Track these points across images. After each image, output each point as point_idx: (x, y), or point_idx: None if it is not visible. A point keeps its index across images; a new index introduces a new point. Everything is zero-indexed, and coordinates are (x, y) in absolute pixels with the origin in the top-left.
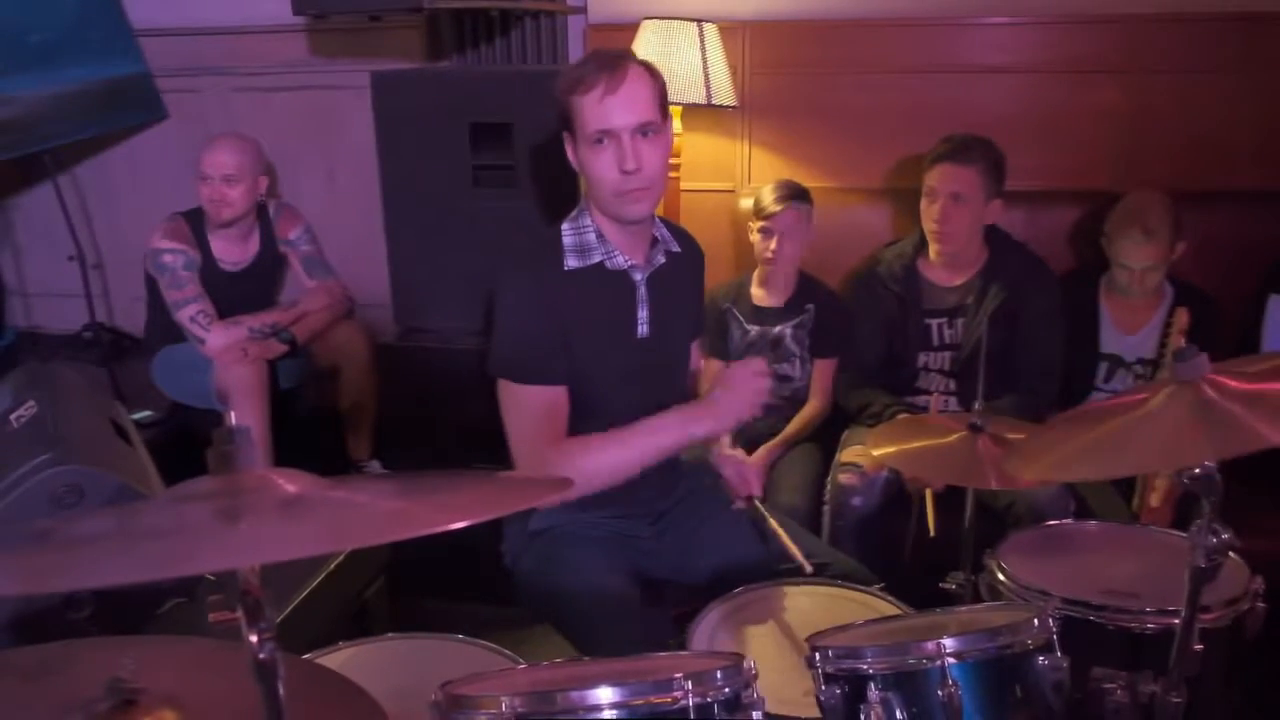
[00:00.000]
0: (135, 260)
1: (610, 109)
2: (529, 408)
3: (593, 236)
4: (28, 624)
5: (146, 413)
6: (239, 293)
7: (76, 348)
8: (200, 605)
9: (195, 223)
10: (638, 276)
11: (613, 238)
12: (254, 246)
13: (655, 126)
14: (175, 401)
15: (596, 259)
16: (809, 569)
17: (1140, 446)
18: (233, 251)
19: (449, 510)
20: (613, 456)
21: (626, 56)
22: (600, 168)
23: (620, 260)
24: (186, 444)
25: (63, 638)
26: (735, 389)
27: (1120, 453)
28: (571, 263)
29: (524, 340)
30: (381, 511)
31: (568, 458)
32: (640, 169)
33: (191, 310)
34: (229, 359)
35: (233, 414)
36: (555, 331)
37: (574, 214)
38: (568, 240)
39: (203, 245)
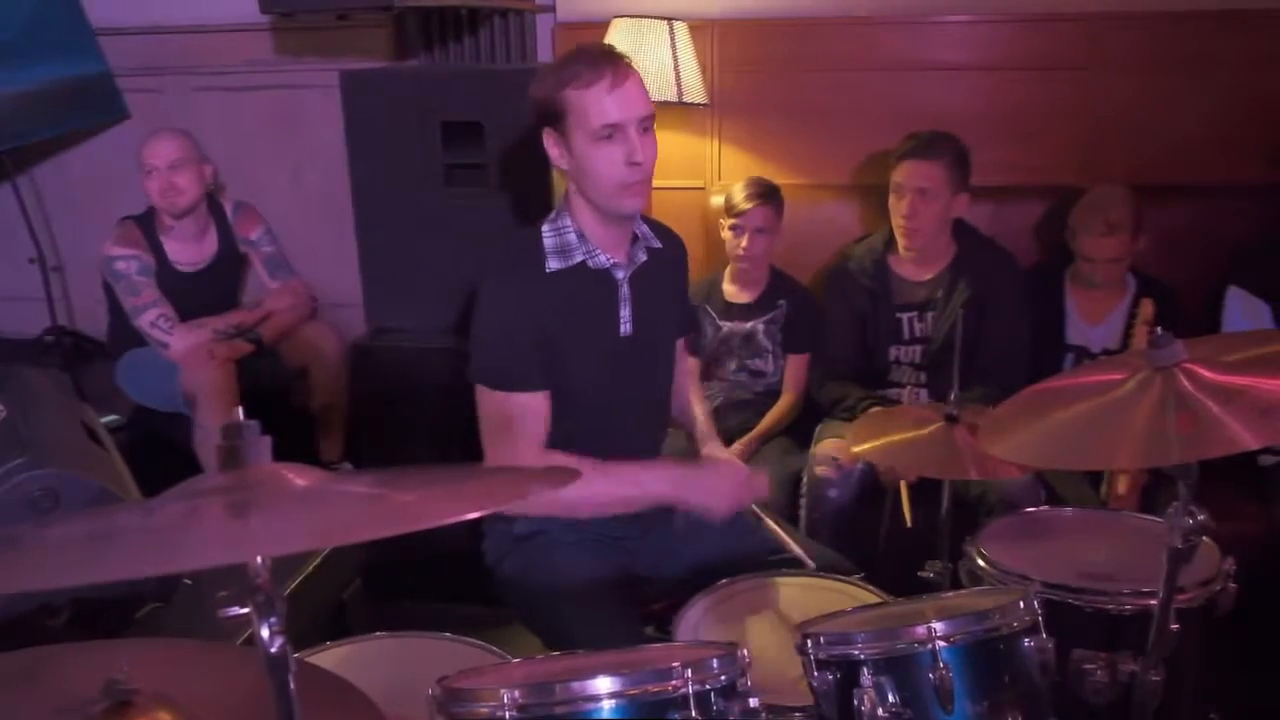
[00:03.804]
0: (96, 263)
1: (618, 102)
2: (506, 415)
3: (573, 237)
4: (3, 631)
5: (111, 417)
6: (199, 293)
7: (37, 351)
8: (177, 609)
9: (147, 225)
10: (619, 275)
11: (594, 237)
12: (211, 246)
13: (653, 120)
14: (139, 405)
15: (578, 259)
16: (811, 564)
17: (1113, 442)
18: (188, 251)
19: (463, 501)
20: (592, 489)
21: (617, 51)
22: (605, 162)
23: (602, 259)
24: (152, 448)
25: (39, 644)
26: (725, 481)
27: (1093, 446)
28: (553, 264)
29: (504, 347)
30: (395, 504)
31: None
32: (644, 162)
33: (151, 315)
34: (195, 361)
35: (199, 418)
36: (536, 337)
37: (553, 215)
38: (548, 242)
39: (155, 248)
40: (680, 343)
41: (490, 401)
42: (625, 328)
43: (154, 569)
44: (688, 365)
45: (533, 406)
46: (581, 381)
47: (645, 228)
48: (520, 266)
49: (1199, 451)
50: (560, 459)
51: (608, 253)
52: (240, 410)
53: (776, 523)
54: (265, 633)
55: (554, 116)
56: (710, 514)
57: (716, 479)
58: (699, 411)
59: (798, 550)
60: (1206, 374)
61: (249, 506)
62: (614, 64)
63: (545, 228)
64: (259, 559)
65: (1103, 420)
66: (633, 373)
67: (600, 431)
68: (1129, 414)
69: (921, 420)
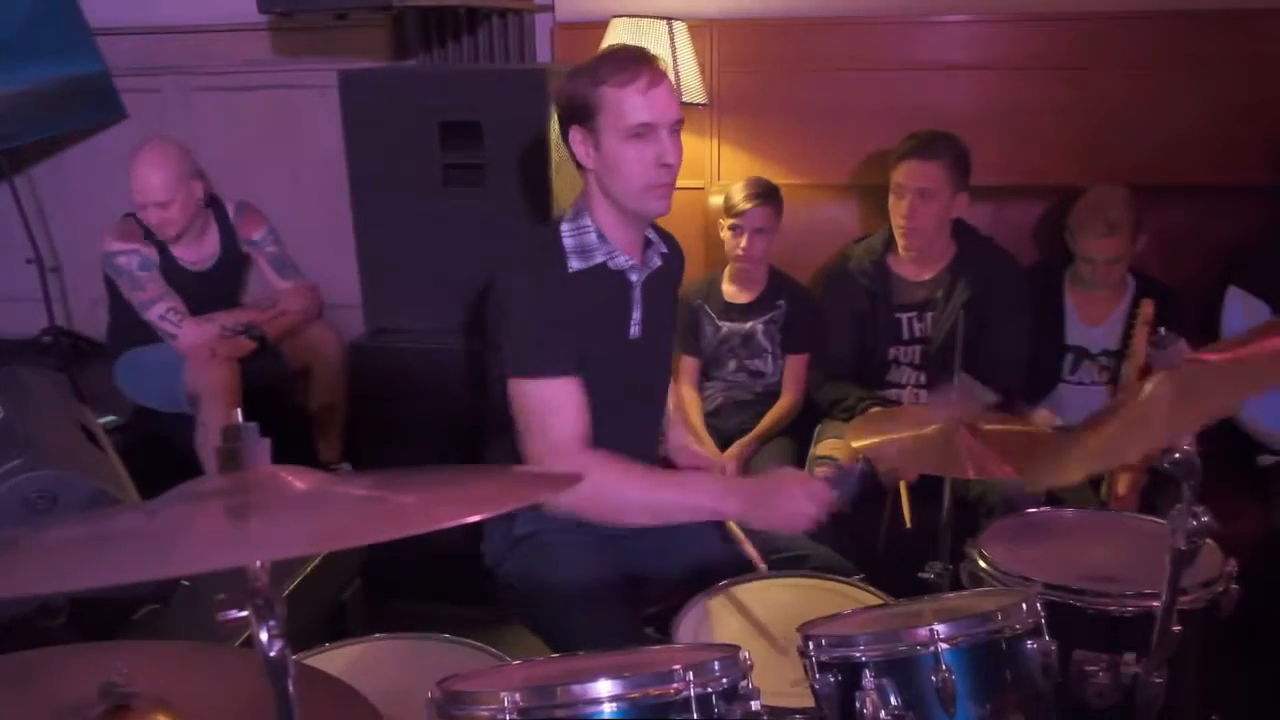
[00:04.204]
0: (94, 263)
1: (653, 103)
2: (542, 404)
3: (594, 237)
4: (0, 632)
5: (110, 417)
6: (203, 293)
7: (35, 352)
8: (175, 611)
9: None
10: (634, 277)
11: (614, 238)
12: (213, 245)
13: (681, 125)
14: (138, 405)
15: (598, 259)
16: (763, 568)
17: (1140, 432)
18: (190, 250)
19: (463, 504)
20: (638, 492)
21: (652, 54)
22: (636, 161)
23: (621, 260)
24: (152, 449)
25: (36, 646)
26: (785, 500)
27: (1126, 442)
28: (574, 264)
29: (539, 332)
30: (395, 507)
31: (594, 473)
32: (673, 164)
33: (160, 308)
34: (200, 360)
35: (202, 416)
36: (567, 324)
37: (570, 215)
38: (568, 241)
39: (160, 245)
40: None
41: (526, 393)
42: (635, 330)
43: (152, 573)
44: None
45: (568, 394)
46: (591, 383)
47: (653, 233)
48: (543, 265)
49: (1215, 410)
50: (606, 462)
51: (625, 254)
52: (239, 412)
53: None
54: (264, 636)
55: (585, 113)
56: (763, 527)
57: (788, 498)
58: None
59: (753, 555)
60: (1212, 357)
61: (248, 509)
62: (650, 65)
63: (565, 227)
64: (258, 563)
65: (1128, 423)
66: (638, 375)
67: (603, 434)
68: (1148, 410)
69: (922, 420)
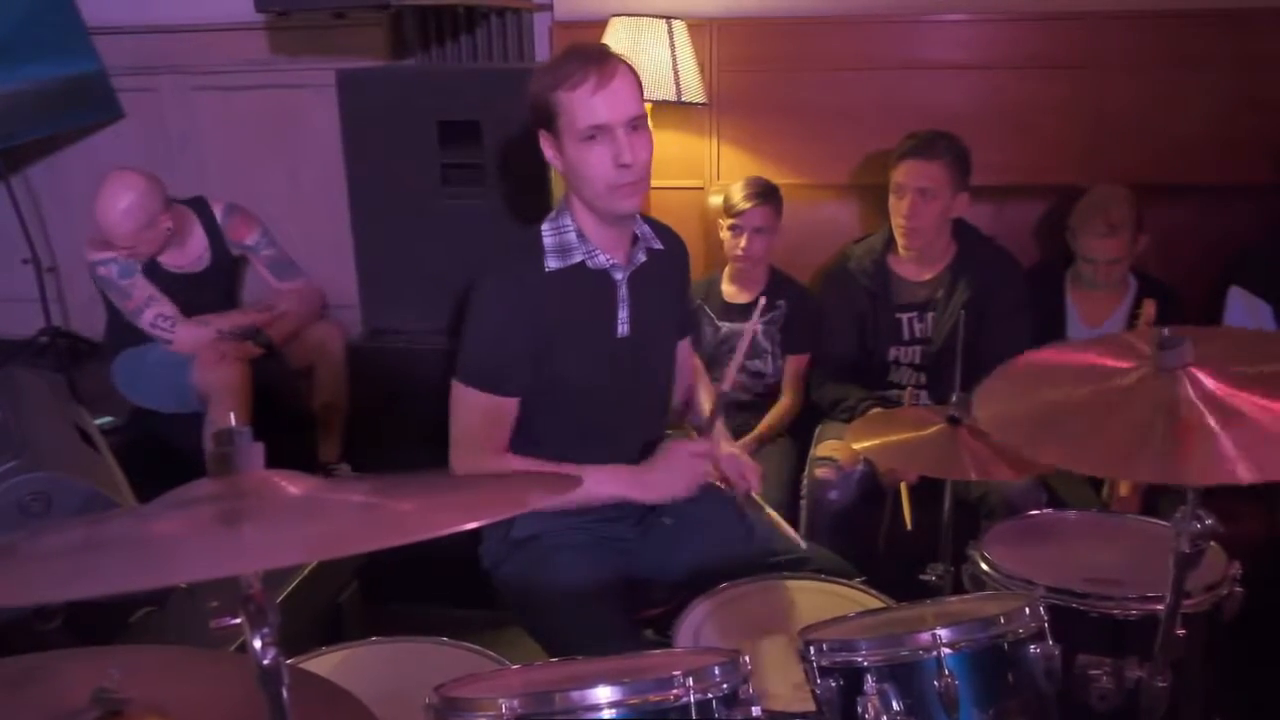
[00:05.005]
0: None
1: (603, 103)
2: (478, 412)
3: (573, 236)
4: None
5: (107, 418)
6: (200, 296)
7: (32, 353)
8: (171, 613)
9: None
10: (618, 276)
11: (594, 236)
12: (199, 248)
13: (644, 119)
14: (136, 406)
15: (577, 258)
16: (802, 545)
17: (1111, 447)
18: (174, 256)
19: (460, 511)
20: None
21: (608, 51)
22: (593, 163)
23: (601, 259)
24: (151, 450)
25: (32, 649)
26: (672, 468)
27: (1090, 448)
28: (552, 264)
29: (495, 349)
30: (391, 514)
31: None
32: (634, 162)
33: (149, 316)
34: (208, 359)
35: (211, 415)
36: (529, 341)
37: (553, 214)
38: (548, 241)
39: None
40: (685, 342)
41: (469, 401)
42: (623, 329)
43: (144, 583)
44: (694, 364)
45: (507, 411)
46: (578, 381)
47: (646, 228)
48: (518, 265)
49: (1196, 478)
50: (518, 464)
51: (607, 253)
52: (233, 416)
53: (776, 514)
54: (258, 644)
55: (547, 118)
56: (673, 498)
57: (662, 468)
58: (707, 407)
59: (795, 537)
60: (1212, 386)
61: (241, 516)
62: (600, 64)
63: (545, 227)
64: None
65: (1098, 418)
66: (630, 374)
67: (596, 432)
68: (1126, 420)
69: (922, 421)
